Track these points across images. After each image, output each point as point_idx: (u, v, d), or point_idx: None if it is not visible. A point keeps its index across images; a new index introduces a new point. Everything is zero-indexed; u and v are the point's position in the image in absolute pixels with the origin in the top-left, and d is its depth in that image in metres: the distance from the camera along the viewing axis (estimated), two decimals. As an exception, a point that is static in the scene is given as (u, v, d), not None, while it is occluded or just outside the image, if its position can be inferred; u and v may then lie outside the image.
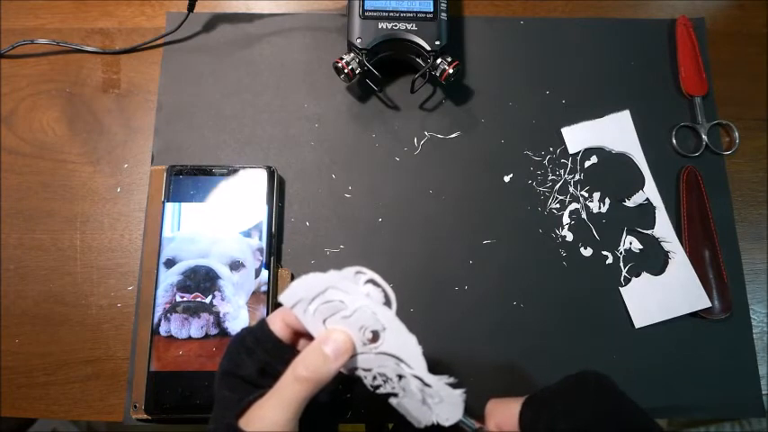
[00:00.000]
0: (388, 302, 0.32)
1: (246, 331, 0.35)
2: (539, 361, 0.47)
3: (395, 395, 0.34)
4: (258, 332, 0.34)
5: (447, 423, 0.34)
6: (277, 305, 0.46)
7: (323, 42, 0.55)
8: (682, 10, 0.57)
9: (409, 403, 0.34)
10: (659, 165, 0.52)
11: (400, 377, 0.33)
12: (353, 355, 0.32)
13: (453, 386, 0.32)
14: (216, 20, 0.55)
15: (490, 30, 0.56)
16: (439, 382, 0.32)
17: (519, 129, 0.53)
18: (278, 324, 0.34)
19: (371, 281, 0.32)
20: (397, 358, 0.32)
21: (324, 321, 0.32)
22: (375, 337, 0.32)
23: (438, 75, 0.50)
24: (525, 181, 0.51)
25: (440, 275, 0.49)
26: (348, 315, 0.32)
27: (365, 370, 0.33)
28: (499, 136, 0.53)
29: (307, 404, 0.30)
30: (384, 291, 0.32)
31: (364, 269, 0.32)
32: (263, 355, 0.33)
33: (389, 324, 0.32)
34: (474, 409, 0.35)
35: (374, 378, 0.33)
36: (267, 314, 0.45)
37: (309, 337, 0.33)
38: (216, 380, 0.34)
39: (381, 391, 0.34)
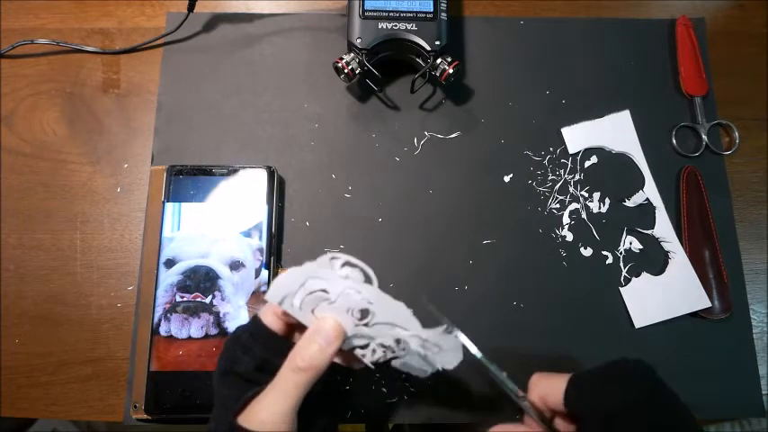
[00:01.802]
0: (368, 280, 0.33)
1: (241, 329, 0.35)
2: (539, 361, 0.47)
3: (397, 358, 0.35)
4: (253, 328, 0.35)
5: (451, 366, 0.36)
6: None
7: (323, 42, 0.55)
8: (682, 10, 0.57)
9: (412, 359, 0.36)
10: (659, 165, 0.52)
11: (398, 341, 0.34)
12: (349, 338, 0.33)
13: (449, 333, 0.34)
14: (216, 20, 0.55)
15: (490, 30, 0.56)
16: (435, 334, 0.33)
17: (519, 129, 0.53)
18: (270, 317, 0.35)
19: (347, 263, 0.33)
20: (392, 324, 0.33)
21: (312, 311, 0.33)
22: (364, 314, 0.33)
23: (438, 75, 0.50)
24: (525, 181, 0.51)
25: (440, 275, 0.49)
26: (333, 300, 0.33)
27: (363, 348, 0.34)
28: (499, 136, 0.53)
29: (305, 398, 0.31)
30: (362, 269, 0.33)
31: (337, 254, 0.33)
32: (260, 350, 0.34)
33: (375, 298, 0.33)
34: (521, 380, 0.35)
35: (373, 352, 0.34)
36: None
37: (303, 328, 0.34)
38: (214, 380, 0.34)
39: (383, 360, 0.35)
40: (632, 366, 0.33)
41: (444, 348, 0.35)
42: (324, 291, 0.33)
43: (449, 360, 0.36)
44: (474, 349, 0.35)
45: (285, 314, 0.34)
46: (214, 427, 0.33)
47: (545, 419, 0.35)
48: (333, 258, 0.33)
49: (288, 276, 0.33)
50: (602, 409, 0.31)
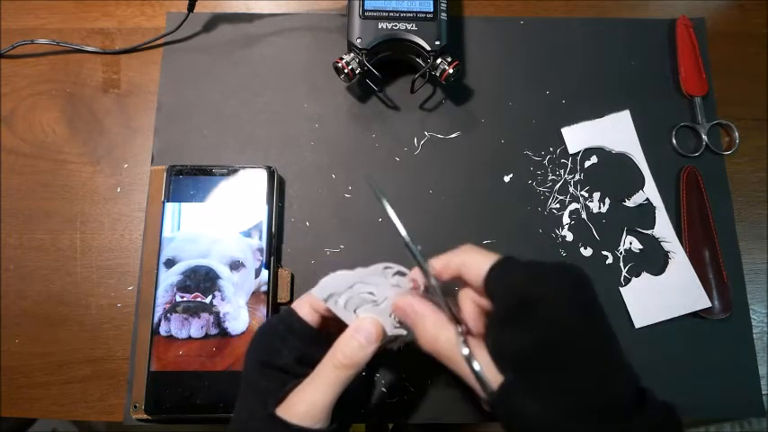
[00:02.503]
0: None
1: (277, 320, 0.36)
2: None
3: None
4: (289, 320, 0.35)
5: None
6: (277, 306, 0.46)
7: (323, 42, 0.55)
8: (682, 10, 0.57)
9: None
10: (659, 165, 0.52)
11: None
12: (392, 340, 0.35)
13: None
14: (216, 20, 0.55)
15: (490, 30, 0.56)
16: None
17: (519, 129, 0.53)
18: (305, 309, 0.36)
19: (399, 272, 0.37)
20: None
21: (355, 311, 0.35)
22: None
23: (438, 75, 0.50)
24: (525, 181, 0.51)
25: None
26: (378, 303, 0.35)
27: (391, 341, 0.37)
28: (499, 136, 0.53)
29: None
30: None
31: (391, 264, 0.37)
32: (298, 342, 0.34)
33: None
34: None
35: (399, 344, 0.37)
36: (267, 314, 0.45)
37: (337, 322, 0.35)
38: (249, 370, 0.34)
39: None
40: (570, 270, 0.30)
41: None
42: (371, 293, 0.35)
43: None
44: (399, 224, 0.34)
45: (327, 311, 0.35)
46: (246, 416, 0.33)
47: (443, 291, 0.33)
48: (386, 268, 0.36)
49: (336, 278, 0.35)
50: (516, 296, 0.29)
